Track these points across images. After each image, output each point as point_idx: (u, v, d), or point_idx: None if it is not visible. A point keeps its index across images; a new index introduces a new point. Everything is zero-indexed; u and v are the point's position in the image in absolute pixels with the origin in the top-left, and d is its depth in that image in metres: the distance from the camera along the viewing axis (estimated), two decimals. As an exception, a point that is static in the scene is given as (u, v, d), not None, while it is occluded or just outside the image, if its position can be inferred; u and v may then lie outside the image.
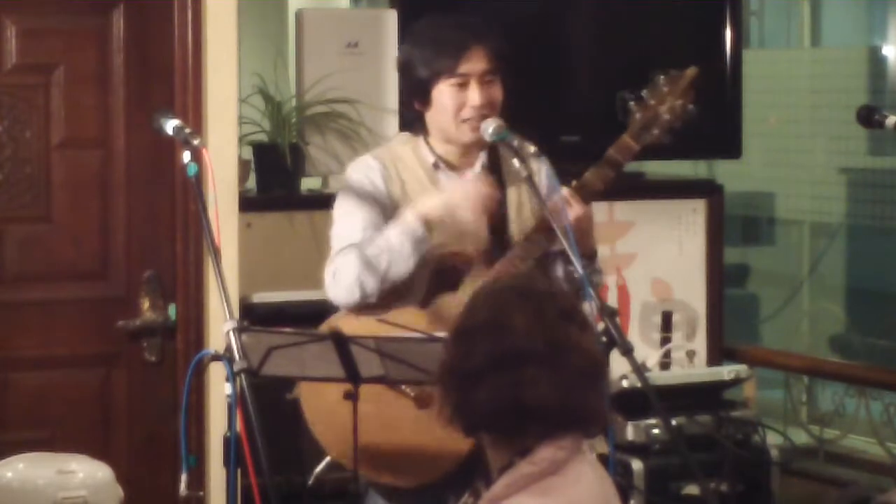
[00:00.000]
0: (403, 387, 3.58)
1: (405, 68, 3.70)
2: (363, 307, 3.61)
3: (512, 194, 3.73)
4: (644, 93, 3.63)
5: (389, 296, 3.63)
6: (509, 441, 2.59)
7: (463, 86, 3.63)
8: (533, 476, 2.55)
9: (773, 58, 7.32)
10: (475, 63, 3.62)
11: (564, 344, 2.57)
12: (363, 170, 3.71)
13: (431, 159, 3.71)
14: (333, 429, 3.58)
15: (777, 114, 6.88)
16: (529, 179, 3.54)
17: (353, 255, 3.59)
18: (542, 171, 3.75)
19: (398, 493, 3.67)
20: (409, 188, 3.69)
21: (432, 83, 3.64)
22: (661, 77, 3.63)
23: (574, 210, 3.56)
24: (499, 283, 2.70)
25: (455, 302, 3.60)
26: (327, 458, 3.68)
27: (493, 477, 2.62)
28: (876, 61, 6.82)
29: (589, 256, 3.64)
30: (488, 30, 3.67)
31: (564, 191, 3.60)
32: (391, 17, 4.98)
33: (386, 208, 3.66)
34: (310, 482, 3.60)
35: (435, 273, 3.64)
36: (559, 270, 3.74)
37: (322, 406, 3.62)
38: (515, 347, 2.55)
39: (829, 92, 6.68)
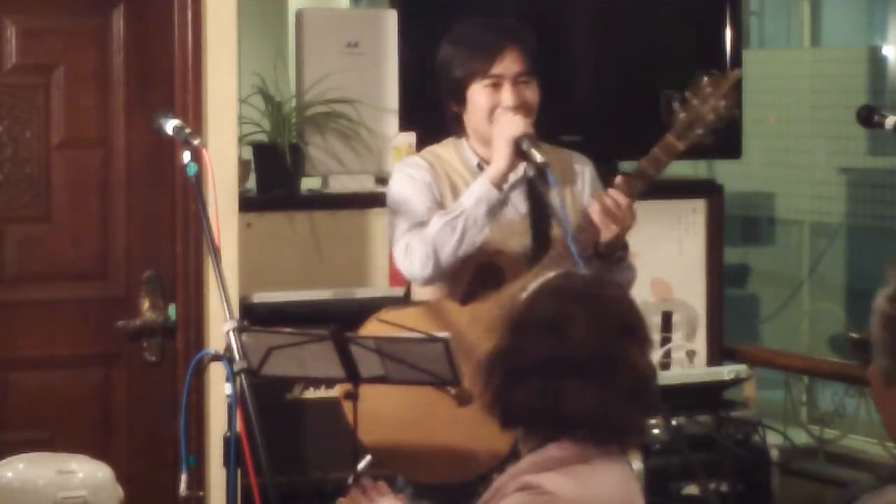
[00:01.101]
0: None
1: (442, 69, 3.72)
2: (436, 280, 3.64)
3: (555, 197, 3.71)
4: (687, 93, 3.62)
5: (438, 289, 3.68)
6: (542, 433, 2.58)
7: (496, 86, 3.65)
8: (561, 460, 2.54)
9: (773, 58, 7.31)
10: (509, 64, 3.64)
11: (617, 361, 2.53)
12: (413, 166, 3.74)
13: (475, 160, 3.73)
14: (372, 432, 3.57)
15: (777, 114, 6.87)
16: (537, 180, 3.54)
17: (427, 229, 3.60)
18: (586, 172, 3.77)
19: (436, 490, 3.67)
20: (456, 188, 3.71)
21: (467, 84, 3.67)
22: (705, 77, 3.62)
23: (628, 220, 3.59)
24: (566, 281, 2.64)
25: (495, 301, 3.60)
26: (368, 457, 3.67)
27: (522, 455, 2.62)
28: (876, 61, 6.82)
29: (622, 248, 3.65)
30: (524, 31, 3.70)
31: (582, 189, 3.62)
32: (391, 17, 4.98)
33: (436, 202, 3.68)
34: (350, 481, 3.59)
35: (478, 269, 3.65)
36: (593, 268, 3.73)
37: (363, 407, 3.60)
38: (567, 356, 2.52)
39: (829, 92, 6.67)
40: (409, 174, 3.72)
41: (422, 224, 3.62)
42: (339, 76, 4.87)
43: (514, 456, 3.49)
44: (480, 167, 3.72)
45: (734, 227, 6.69)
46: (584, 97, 5.24)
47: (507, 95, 3.64)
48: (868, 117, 4.03)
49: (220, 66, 4.53)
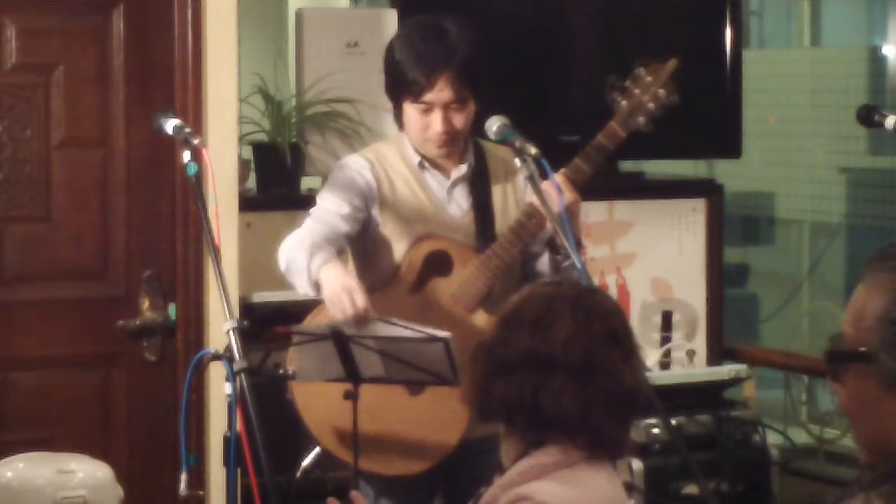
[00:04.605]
0: None
1: (387, 70, 3.75)
2: None
3: (497, 194, 3.79)
4: (627, 83, 3.77)
5: (374, 281, 3.71)
6: (523, 436, 2.60)
7: (427, 111, 3.66)
8: (548, 466, 2.56)
9: (773, 58, 7.31)
10: (439, 92, 3.64)
11: (600, 365, 2.56)
12: (352, 169, 3.77)
13: (417, 159, 3.77)
14: (325, 418, 3.60)
15: (777, 114, 6.87)
16: (531, 179, 3.57)
17: (291, 245, 3.64)
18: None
19: (389, 483, 3.69)
20: (397, 187, 3.76)
21: (401, 100, 3.70)
22: (642, 68, 3.77)
23: (566, 196, 3.61)
24: (559, 287, 2.68)
25: (446, 287, 3.68)
26: (316, 450, 3.69)
27: (506, 465, 2.63)
28: (876, 61, 6.82)
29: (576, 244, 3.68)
30: (465, 49, 3.65)
31: (556, 177, 3.65)
32: (391, 17, 4.98)
33: (370, 201, 3.73)
34: (297, 474, 3.61)
35: (427, 258, 3.70)
36: (544, 262, 3.78)
37: (314, 394, 3.63)
38: (550, 354, 2.55)
39: (829, 92, 6.67)
40: (351, 177, 3.74)
41: (320, 238, 3.63)
42: (339, 76, 4.87)
43: (465, 452, 3.55)
44: (422, 165, 3.76)
45: (734, 227, 6.69)
46: (583, 97, 5.24)
47: (436, 121, 3.66)
48: (868, 117, 4.03)
49: (220, 65, 4.53)
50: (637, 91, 3.75)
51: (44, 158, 4.49)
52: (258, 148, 4.88)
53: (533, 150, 3.57)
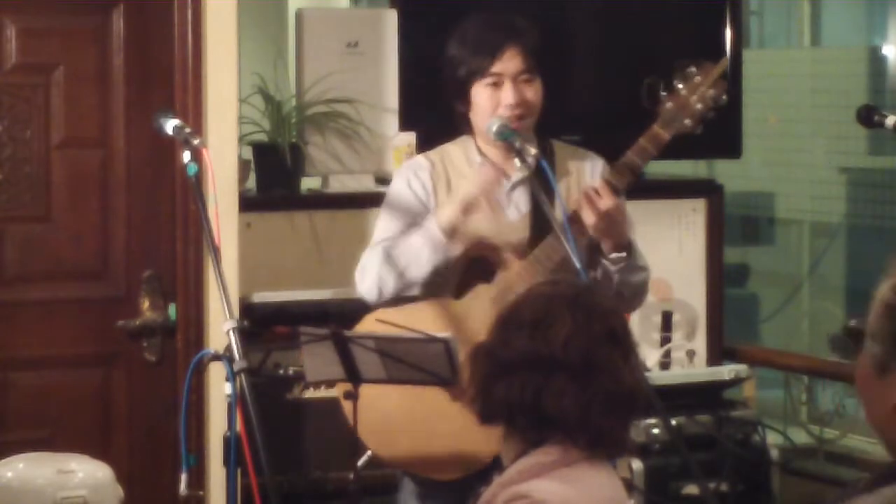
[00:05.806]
0: None
1: (446, 68, 3.73)
2: (391, 302, 3.66)
3: (561, 191, 3.72)
4: (675, 81, 3.58)
5: (427, 287, 3.66)
6: (523, 436, 2.60)
7: (497, 85, 3.65)
8: (547, 465, 2.56)
9: (773, 58, 7.31)
10: (508, 62, 3.63)
11: (600, 364, 2.56)
12: (410, 170, 3.77)
13: (478, 158, 3.74)
14: (371, 424, 3.58)
15: (777, 114, 6.88)
16: (531, 181, 3.56)
17: (377, 252, 3.65)
18: (596, 168, 3.78)
19: (435, 486, 3.67)
20: (454, 188, 3.72)
21: (469, 83, 3.67)
22: (693, 66, 3.58)
23: (603, 202, 3.55)
24: (558, 287, 2.69)
25: (487, 291, 3.64)
26: (368, 453, 3.68)
27: (505, 464, 2.63)
28: (876, 61, 6.82)
29: (624, 248, 3.65)
30: (527, 28, 3.69)
31: (590, 184, 3.62)
32: (391, 17, 4.98)
33: (425, 211, 3.70)
34: (352, 476, 3.60)
35: (469, 263, 3.67)
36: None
37: (360, 402, 3.61)
38: (550, 354, 2.55)
39: (829, 92, 6.67)
40: (407, 179, 3.75)
41: (379, 245, 3.66)
42: (339, 76, 4.87)
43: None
44: (483, 165, 3.73)
45: (734, 227, 6.70)
46: (584, 97, 5.24)
47: (507, 94, 3.63)
48: (868, 117, 4.03)
49: (220, 65, 4.53)
50: (684, 91, 3.55)
51: (44, 158, 4.49)
52: (258, 148, 4.88)
53: (533, 151, 3.55)
